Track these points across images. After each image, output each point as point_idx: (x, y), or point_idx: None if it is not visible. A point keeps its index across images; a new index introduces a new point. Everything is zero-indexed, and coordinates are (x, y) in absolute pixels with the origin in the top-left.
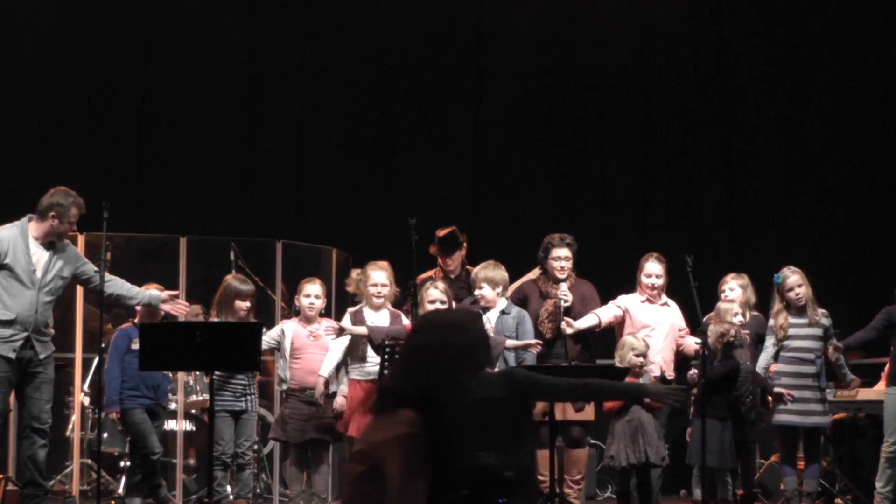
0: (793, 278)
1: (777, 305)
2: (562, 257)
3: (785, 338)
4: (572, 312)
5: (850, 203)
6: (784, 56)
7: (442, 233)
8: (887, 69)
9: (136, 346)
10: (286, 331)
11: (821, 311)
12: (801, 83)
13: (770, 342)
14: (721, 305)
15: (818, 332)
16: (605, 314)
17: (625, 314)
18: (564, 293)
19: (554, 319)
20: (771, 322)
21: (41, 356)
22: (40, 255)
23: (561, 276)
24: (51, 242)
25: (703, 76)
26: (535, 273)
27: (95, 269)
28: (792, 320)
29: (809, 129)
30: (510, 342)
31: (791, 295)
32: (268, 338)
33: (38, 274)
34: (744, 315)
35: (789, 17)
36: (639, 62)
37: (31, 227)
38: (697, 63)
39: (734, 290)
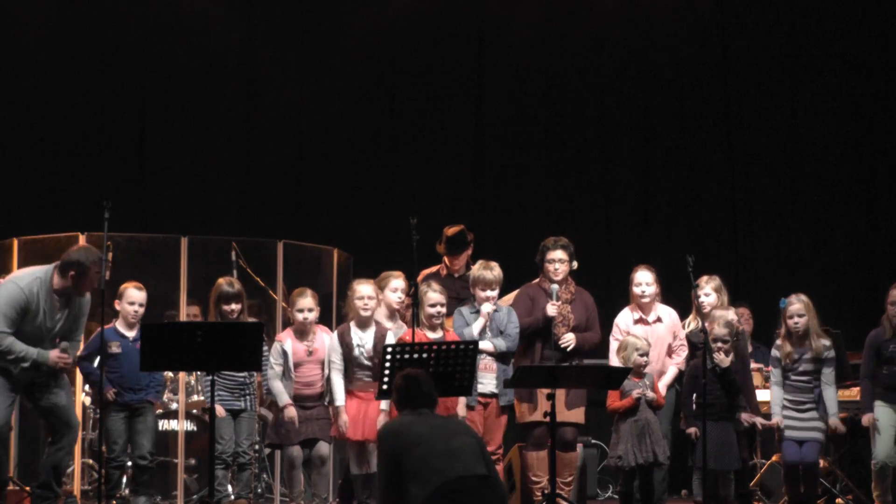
0: (795, 306)
1: (783, 331)
2: (556, 259)
3: (790, 367)
4: (579, 328)
5: (852, 203)
6: (785, 56)
7: (450, 231)
8: (890, 68)
9: (114, 349)
10: (287, 350)
11: (823, 342)
12: (802, 83)
13: (776, 373)
14: (715, 312)
15: (818, 362)
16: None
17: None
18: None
19: (568, 324)
20: (775, 353)
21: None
22: (59, 312)
23: (556, 278)
24: (68, 297)
25: (703, 76)
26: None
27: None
28: (797, 350)
29: (811, 128)
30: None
31: (790, 322)
32: (275, 362)
33: (50, 325)
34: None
35: (791, 16)
36: (639, 62)
37: (54, 280)
38: (698, 63)
39: (709, 295)
